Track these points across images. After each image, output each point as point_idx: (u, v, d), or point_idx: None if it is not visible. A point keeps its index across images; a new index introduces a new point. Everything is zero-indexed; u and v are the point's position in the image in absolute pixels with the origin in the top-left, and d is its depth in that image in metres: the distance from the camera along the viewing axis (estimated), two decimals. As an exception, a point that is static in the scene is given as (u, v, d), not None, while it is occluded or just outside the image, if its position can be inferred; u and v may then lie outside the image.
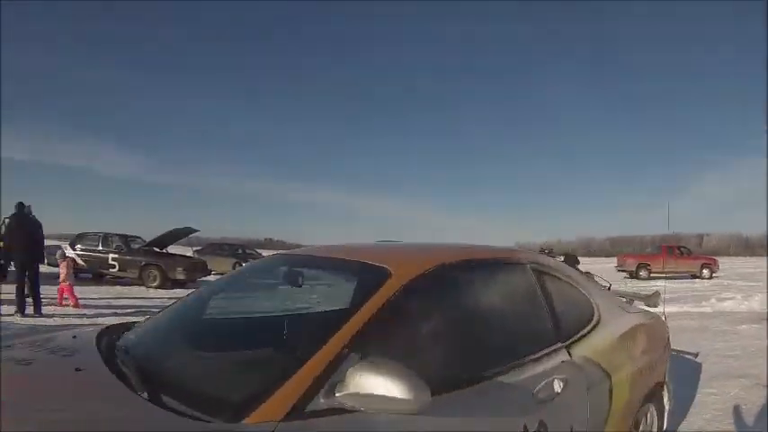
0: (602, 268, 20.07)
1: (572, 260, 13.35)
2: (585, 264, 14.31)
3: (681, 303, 10.61)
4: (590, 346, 2.02)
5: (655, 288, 3.46)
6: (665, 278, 18.32)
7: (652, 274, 19.26)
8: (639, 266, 19.64)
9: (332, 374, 1.23)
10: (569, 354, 1.89)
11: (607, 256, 50.98)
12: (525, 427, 1.54)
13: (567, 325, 2.01)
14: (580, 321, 2.12)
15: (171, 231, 13.04)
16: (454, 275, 1.76)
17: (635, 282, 17.72)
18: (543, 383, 1.68)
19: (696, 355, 4.91)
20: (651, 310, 2.99)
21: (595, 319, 2.19)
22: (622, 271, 20.12)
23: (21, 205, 8.00)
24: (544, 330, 1.91)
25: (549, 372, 1.74)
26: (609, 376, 2.02)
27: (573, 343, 1.96)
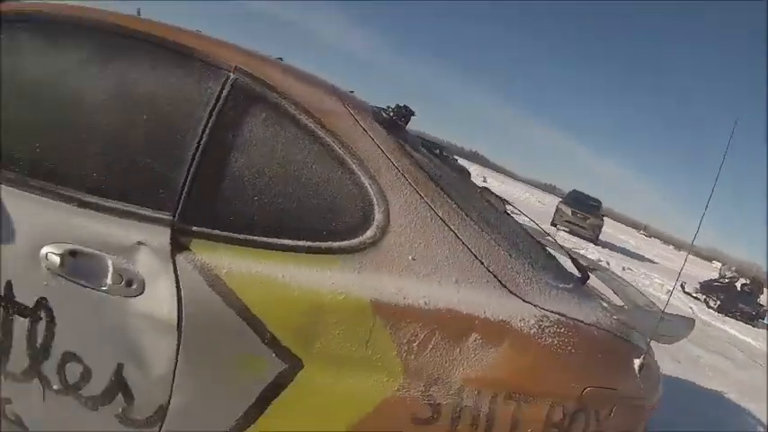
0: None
1: (757, 287, 12.03)
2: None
3: None
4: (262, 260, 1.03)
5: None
6: None
7: None
8: None
9: None
10: (178, 243, 1.05)
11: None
12: (10, 285, 1.07)
13: (237, 203, 1.09)
14: (293, 217, 1.08)
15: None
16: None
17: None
18: (67, 248, 1.06)
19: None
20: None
21: (363, 237, 1.05)
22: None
23: None
24: (158, 181, 1.10)
25: (101, 240, 1.06)
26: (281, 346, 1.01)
27: (213, 237, 1.06)
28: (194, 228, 1.06)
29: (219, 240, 1.05)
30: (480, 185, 1.52)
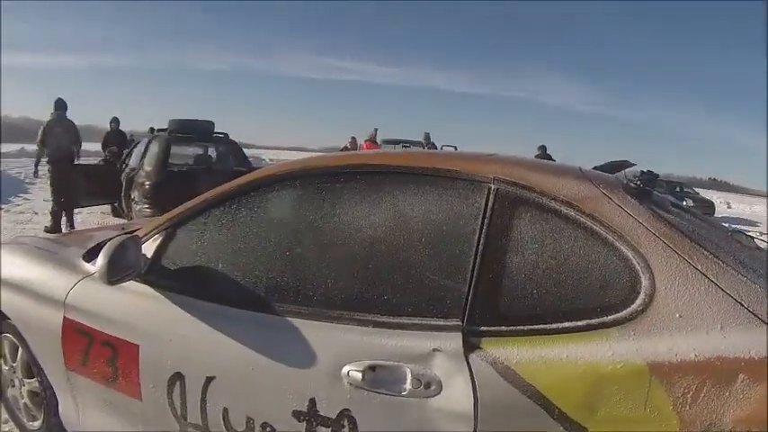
0: None
1: None
2: None
3: None
4: (552, 352, 1.13)
5: None
6: None
7: None
8: None
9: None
10: (470, 344, 1.18)
11: None
12: (313, 402, 1.27)
13: (517, 299, 1.21)
14: (567, 300, 1.19)
15: (608, 163, 14.92)
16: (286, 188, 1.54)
17: None
18: (366, 364, 1.22)
19: None
20: None
21: (634, 306, 1.13)
22: None
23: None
24: (444, 293, 1.26)
25: (398, 352, 1.22)
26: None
27: (500, 334, 1.19)
28: (482, 328, 1.19)
29: (506, 335, 1.17)
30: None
